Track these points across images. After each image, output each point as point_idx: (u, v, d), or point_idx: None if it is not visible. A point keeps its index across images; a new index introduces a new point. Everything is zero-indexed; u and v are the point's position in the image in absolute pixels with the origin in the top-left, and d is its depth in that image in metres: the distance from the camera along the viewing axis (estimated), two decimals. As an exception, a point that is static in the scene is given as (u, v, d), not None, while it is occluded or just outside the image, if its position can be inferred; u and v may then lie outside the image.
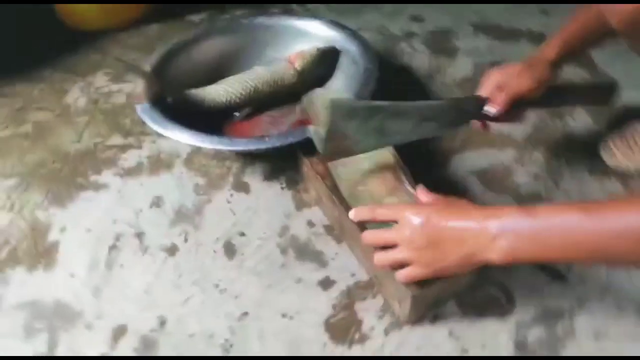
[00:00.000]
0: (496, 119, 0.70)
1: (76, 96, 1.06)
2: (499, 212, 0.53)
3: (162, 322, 0.67)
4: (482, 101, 0.70)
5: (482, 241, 0.52)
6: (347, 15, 1.08)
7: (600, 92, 0.81)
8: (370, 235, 0.62)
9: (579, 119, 0.93)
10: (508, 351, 0.63)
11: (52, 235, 0.78)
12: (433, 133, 0.69)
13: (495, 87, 0.69)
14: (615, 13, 0.64)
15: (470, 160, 0.87)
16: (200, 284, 0.71)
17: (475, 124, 0.72)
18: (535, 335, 0.64)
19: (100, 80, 1.10)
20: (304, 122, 0.80)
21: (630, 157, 0.81)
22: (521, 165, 0.86)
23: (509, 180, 0.84)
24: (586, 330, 0.64)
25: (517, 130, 0.90)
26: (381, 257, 0.60)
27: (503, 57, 1.08)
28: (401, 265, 0.58)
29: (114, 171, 0.88)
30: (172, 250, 0.75)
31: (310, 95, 0.79)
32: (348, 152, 0.67)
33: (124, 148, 0.93)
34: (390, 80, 1.05)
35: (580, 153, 0.87)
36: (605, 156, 0.84)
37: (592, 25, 0.70)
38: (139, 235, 0.77)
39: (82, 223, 0.80)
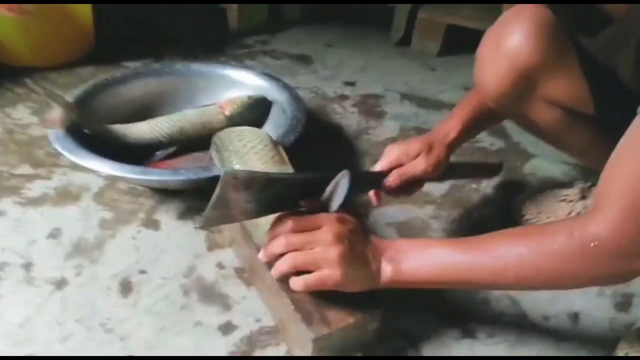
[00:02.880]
0: (405, 193, 0.73)
1: (-10, 125, 1.00)
2: (392, 243, 0.61)
3: (32, 361, 0.59)
4: (380, 176, 0.71)
5: (376, 265, 0.58)
6: (283, 76, 1.12)
7: (487, 171, 0.90)
8: (295, 238, 0.57)
9: (492, 182, 0.97)
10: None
11: None
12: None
13: (394, 163, 0.71)
14: (487, 96, 0.71)
15: (390, 214, 0.87)
16: (85, 322, 0.64)
17: (371, 195, 0.74)
18: (441, 392, 0.61)
19: (21, 112, 1.06)
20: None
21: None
22: (437, 220, 0.87)
23: (424, 234, 0.84)
24: (494, 389, 0.62)
25: (435, 189, 0.92)
26: (298, 257, 0.56)
27: (426, 123, 1.14)
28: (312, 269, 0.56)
29: (15, 200, 0.82)
30: (60, 283, 0.69)
31: (219, 135, 0.78)
32: (230, 221, 0.65)
33: (31, 178, 0.87)
34: (320, 136, 1.07)
35: (492, 212, 0.90)
36: (516, 217, 0.87)
37: (485, 107, 0.75)
38: (27, 266, 0.71)
39: (-35, 250, 0.72)
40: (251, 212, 0.60)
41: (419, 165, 0.71)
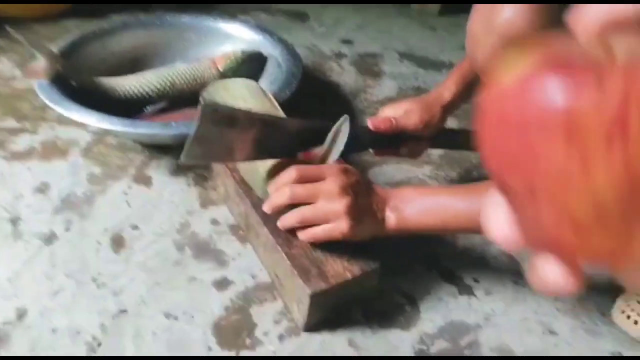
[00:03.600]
0: (394, 153, 0.71)
1: (-30, 77, 0.96)
2: (395, 192, 0.61)
3: (21, 315, 0.57)
4: (373, 134, 0.68)
5: (381, 214, 0.59)
6: (278, 33, 1.08)
7: None
8: (299, 189, 0.57)
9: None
10: (409, 362, 0.59)
11: None
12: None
13: (384, 121, 0.69)
14: (481, 74, 0.69)
15: (387, 174, 0.86)
16: (76, 277, 0.62)
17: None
18: (438, 348, 0.61)
19: (3, 64, 1.01)
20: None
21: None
22: (436, 181, 0.85)
23: (424, 194, 0.83)
24: (490, 345, 0.62)
25: (434, 149, 0.90)
26: (306, 211, 0.57)
27: (426, 83, 1.11)
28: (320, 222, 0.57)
29: (0, 154, 0.79)
30: (49, 238, 0.66)
31: (207, 89, 0.75)
32: (214, 160, 0.64)
33: (16, 131, 0.84)
34: (317, 92, 1.04)
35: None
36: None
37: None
38: (14, 221, 0.68)
39: (-52, 203, 0.69)
40: (240, 153, 0.59)
41: (410, 119, 0.69)
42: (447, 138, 0.78)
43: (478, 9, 0.67)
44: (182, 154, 0.55)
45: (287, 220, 0.58)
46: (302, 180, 0.57)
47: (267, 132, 0.59)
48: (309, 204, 0.57)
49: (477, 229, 0.63)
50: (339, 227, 0.56)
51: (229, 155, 0.59)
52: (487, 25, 0.65)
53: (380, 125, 0.67)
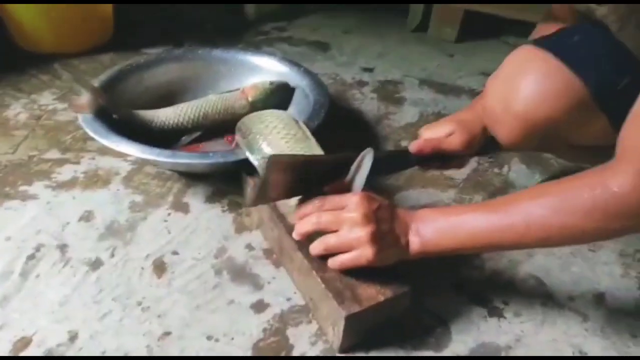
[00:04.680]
0: (439, 166, 0.73)
1: (17, 111, 1.01)
2: (417, 215, 0.61)
3: (73, 337, 0.60)
4: (409, 154, 0.72)
5: (404, 239, 0.59)
6: (301, 63, 1.12)
7: None
8: (324, 217, 0.60)
9: (515, 167, 0.97)
10: (442, 383, 0.61)
11: (-36, 242, 0.72)
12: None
13: (427, 144, 0.73)
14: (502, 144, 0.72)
15: (413, 197, 0.88)
16: (122, 301, 0.66)
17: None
18: (470, 369, 0.62)
19: (46, 99, 1.07)
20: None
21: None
22: (460, 204, 0.88)
23: (449, 218, 0.85)
24: (521, 366, 0.63)
25: (458, 173, 0.93)
26: (330, 239, 0.59)
27: (446, 109, 1.14)
28: (345, 250, 0.59)
29: (46, 183, 0.84)
30: (95, 264, 0.70)
31: (242, 120, 0.79)
32: (271, 201, 0.68)
33: (60, 162, 0.89)
34: (340, 120, 1.08)
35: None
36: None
37: None
38: (62, 247, 0.72)
39: (1, 231, 0.74)
40: (286, 192, 0.63)
41: (452, 142, 0.72)
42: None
43: (493, 87, 0.69)
44: (250, 201, 0.63)
45: (314, 249, 0.61)
46: (326, 209, 0.60)
47: (314, 171, 0.63)
48: (334, 231, 0.59)
49: (502, 248, 0.65)
50: (364, 254, 0.57)
51: (279, 196, 0.64)
52: (505, 109, 0.67)
53: (423, 149, 0.69)
